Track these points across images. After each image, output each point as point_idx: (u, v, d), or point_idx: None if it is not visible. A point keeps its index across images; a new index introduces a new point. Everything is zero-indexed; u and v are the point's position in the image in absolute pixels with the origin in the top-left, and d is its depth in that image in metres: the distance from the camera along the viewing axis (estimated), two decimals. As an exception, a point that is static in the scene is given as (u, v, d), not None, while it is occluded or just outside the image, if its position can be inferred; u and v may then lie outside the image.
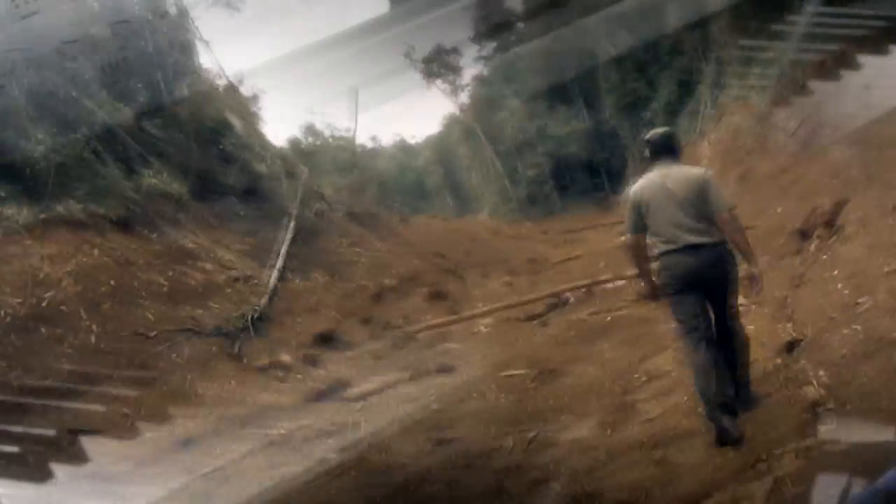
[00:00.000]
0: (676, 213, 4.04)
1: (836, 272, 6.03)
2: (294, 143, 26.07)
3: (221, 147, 12.91)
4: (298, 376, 9.62)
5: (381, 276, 12.77)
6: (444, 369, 6.93)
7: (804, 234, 8.47)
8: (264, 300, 10.50)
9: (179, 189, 11.94)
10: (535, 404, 5.29)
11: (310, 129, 26.70)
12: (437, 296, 12.70)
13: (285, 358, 9.96)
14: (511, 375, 5.98)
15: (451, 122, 28.19)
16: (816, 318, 5.22)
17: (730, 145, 18.50)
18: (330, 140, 25.59)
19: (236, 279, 11.09)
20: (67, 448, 5.38)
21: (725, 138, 18.52)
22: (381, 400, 6.38)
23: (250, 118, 14.19)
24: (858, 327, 4.52)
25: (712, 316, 4.18)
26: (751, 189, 15.04)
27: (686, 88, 21.28)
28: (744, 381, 4.13)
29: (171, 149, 12.57)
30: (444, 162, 28.65)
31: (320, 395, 7.11)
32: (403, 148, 30.55)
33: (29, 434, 5.30)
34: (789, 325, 5.45)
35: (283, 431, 5.73)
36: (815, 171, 10.96)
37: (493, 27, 25.09)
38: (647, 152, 4.45)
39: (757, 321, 5.85)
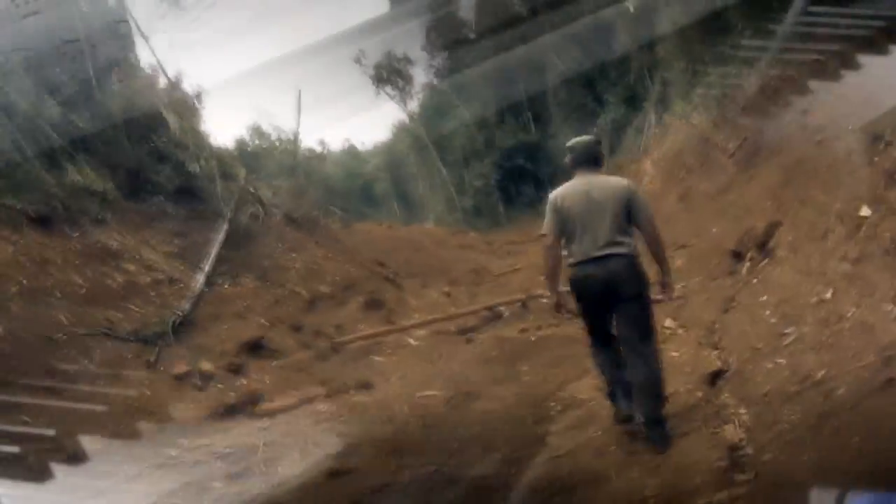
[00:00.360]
0: (594, 223, 4.00)
1: (765, 297, 5.79)
2: (241, 144, 25.41)
3: (153, 144, 12.27)
4: (219, 386, 9.10)
5: (316, 282, 12.24)
6: (363, 386, 6.46)
7: (737, 256, 8.29)
8: (188, 304, 9.96)
9: (106, 186, 11.29)
10: (442, 433, 4.80)
11: (256, 131, 26.11)
12: (373, 305, 12.22)
13: (206, 366, 9.38)
14: (426, 396, 5.57)
15: (401, 130, 27.87)
16: (742, 348, 4.95)
17: (672, 164, 18.50)
18: (277, 143, 25.03)
19: (160, 282, 10.46)
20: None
21: (668, 157, 18.52)
22: (290, 419, 5.85)
23: (189, 116, 13.55)
24: (783, 361, 4.21)
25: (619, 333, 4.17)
26: (690, 208, 15.01)
27: (632, 106, 21.32)
28: (657, 417, 3.88)
29: (100, 144, 11.93)
30: (392, 169, 28.24)
31: (231, 410, 6.49)
32: (352, 154, 30.10)
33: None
34: (715, 352, 5.20)
35: (175, 452, 5.17)
36: (752, 193, 10.87)
37: (446, 38, 24.89)
38: (568, 160, 4.43)
39: (683, 347, 5.63)
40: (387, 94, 25.25)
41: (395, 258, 16.38)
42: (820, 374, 3.68)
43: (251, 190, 12.99)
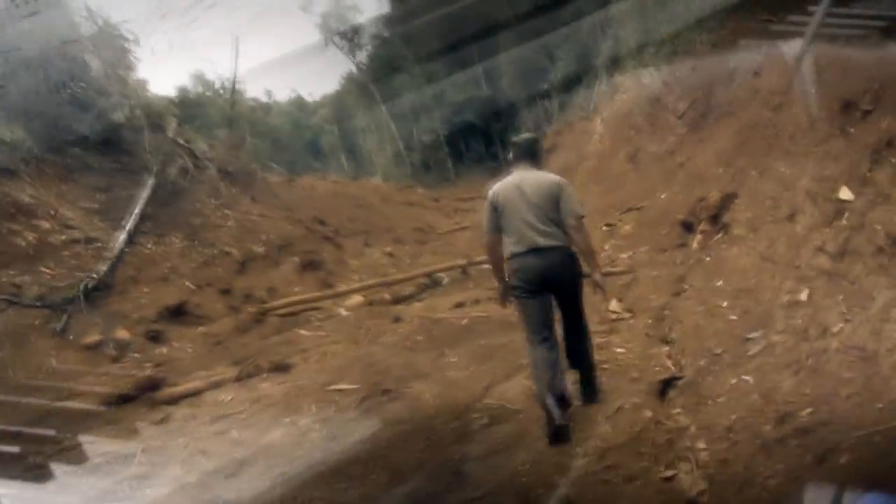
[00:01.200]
0: (528, 216, 4.10)
1: (720, 282, 5.02)
2: (182, 93, 23.97)
3: (71, 92, 11.06)
4: (136, 356, 8.26)
5: (250, 242, 11.21)
6: (279, 368, 5.55)
7: (688, 227, 7.63)
8: (105, 266, 8.99)
9: (19, 135, 10.14)
10: (345, 449, 3.84)
11: (199, 79, 24.66)
12: (309, 266, 11.31)
13: (121, 334, 8.52)
14: (339, 391, 4.66)
15: (349, 82, 26.53)
16: (697, 347, 4.13)
17: (621, 123, 17.82)
18: (221, 92, 23.59)
19: (76, 241, 9.40)
20: None
21: (617, 116, 17.83)
22: (188, 411, 4.96)
23: (117, 62, 12.25)
24: (749, 379, 3.42)
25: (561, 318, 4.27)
26: (639, 170, 14.37)
27: (584, 63, 20.60)
28: (593, 380, 4.23)
29: (14, 90, 10.71)
30: (340, 122, 26.96)
31: (126, 398, 5.49)
32: (299, 105, 28.63)
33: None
34: (665, 348, 4.41)
35: (41, 458, 4.21)
36: (703, 158, 10.23)
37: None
38: (510, 155, 4.51)
39: (630, 340, 4.81)
40: (335, 43, 23.95)
41: (338, 215, 15.40)
42: (804, 413, 2.79)
43: (181, 142, 11.88)
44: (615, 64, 19.46)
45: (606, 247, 9.81)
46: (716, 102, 12.18)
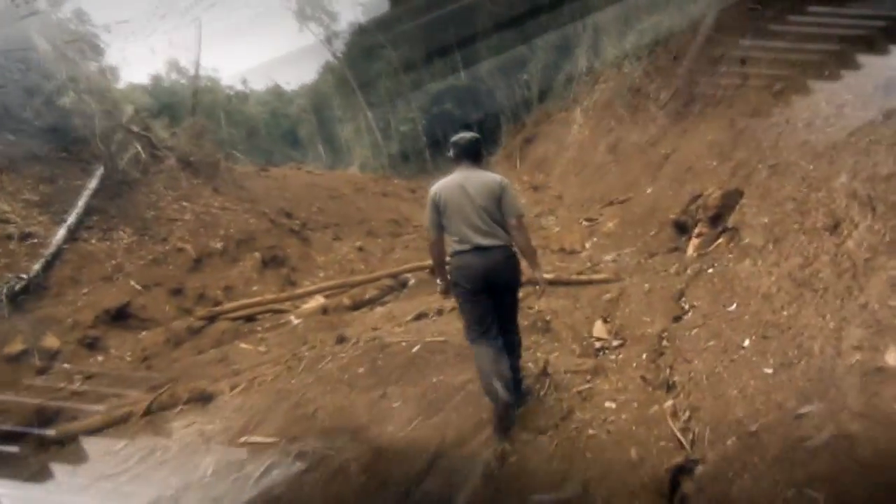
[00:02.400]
0: (470, 216, 3.99)
1: (733, 306, 3.86)
2: (156, 80, 22.77)
3: (13, 77, 9.89)
4: (65, 366, 7.22)
5: (208, 237, 9.99)
6: (199, 398, 4.44)
7: (681, 227, 6.52)
8: (39, 265, 7.88)
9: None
10: None
11: (173, 65, 23.43)
12: (271, 262, 10.15)
13: (50, 342, 7.44)
14: (250, 444, 3.52)
15: (326, 70, 25.21)
16: (717, 413, 2.89)
17: (602, 113, 16.81)
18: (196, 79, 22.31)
19: (9, 237, 8.34)
20: None
21: (598, 105, 16.78)
22: (68, 463, 3.85)
23: (73, 46, 11.02)
24: (816, 495, 2.12)
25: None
26: (620, 161, 13.34)
27: (563, 53, 19.59)
28: (518, 380, 4.00)
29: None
30: (318, 111, 25.69)
31: (14, 436, 4.38)
32: (277, 94, 27.26)
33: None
34: (669, 402, 3.22)
35: None
36: (691, 149, 9.22)
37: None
38: (452, 154, 4.29)
39: (623, 388, 3.66)
40: (310, 31, 22.69)
41: (308, 207, 14.17)
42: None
43: (136, 130, 10.69)
44: (595, 53, 18.57)
45: (588, 245, 8.74)
46: (700, 91, 11.22)
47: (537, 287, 3.96)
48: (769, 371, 2.89)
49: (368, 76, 22.26)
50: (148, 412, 4.33)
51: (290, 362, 4.56)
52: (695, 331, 3.82)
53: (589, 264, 7.12)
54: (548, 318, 4.90)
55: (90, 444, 3.94)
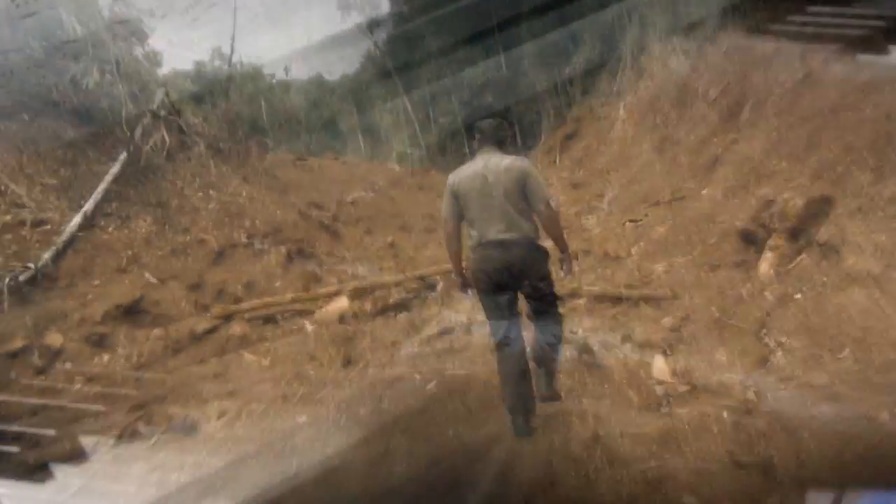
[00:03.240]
0: (490, 205, 3.63)
1: (845, 353, 2.86)
2: (199, 66, 22.39)
3: (38, 53, 9.26)
4: (67, 365, 6.59)
5: (232, 227, 9.34)
6: (179, 427, 3.66)
7: (748, 238, 5.42)
8: (49, 254, 7.26)
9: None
10: None
11: (217, 52, 23.02)
12: (298, 256, 9.48)
13: (53, 339, 6.79)
14: None
15: (367, 60, 24.44)
16: None
17: (647, 109, 15.82)
18: (238, 67, 21.87)
19: (21, 223, 7.75)
20: None
21: (643, 101, 15.77)
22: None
23: (92, 21, 10.40)
24: None
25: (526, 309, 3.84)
26: (667, 160, 12.30)
27: (608, 46, 18.56)
28: (554, 381, 3.69)
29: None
30: (358, 102, 24.95)
31: None
32: (318, 83, 26.56)
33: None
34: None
35: None
36: (750, 148, 8.26)
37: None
38: (476, 140, 3.97)
39: (707, 464, 2.61)
40: (353, 20, 22.01)
41: (341, 199, 13.33)
42: None
43: (163, 114, 10.04)
44: (641, 47, 17.59)
45: (633, 251, 7.84)
46: (753, 89, 10.20)
47: (565, 265, 3.70)
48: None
49: (409, 66, 21.47)
50: (121, 435, 3.62)
51: (288, 388, 3.80)
52: (793, 385, 2.83)
53: (638, 274, 6.20)
54: (594, 346, 4.00)
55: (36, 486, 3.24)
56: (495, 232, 3.57)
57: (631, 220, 9.22)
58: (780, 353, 3.31)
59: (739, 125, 9.33)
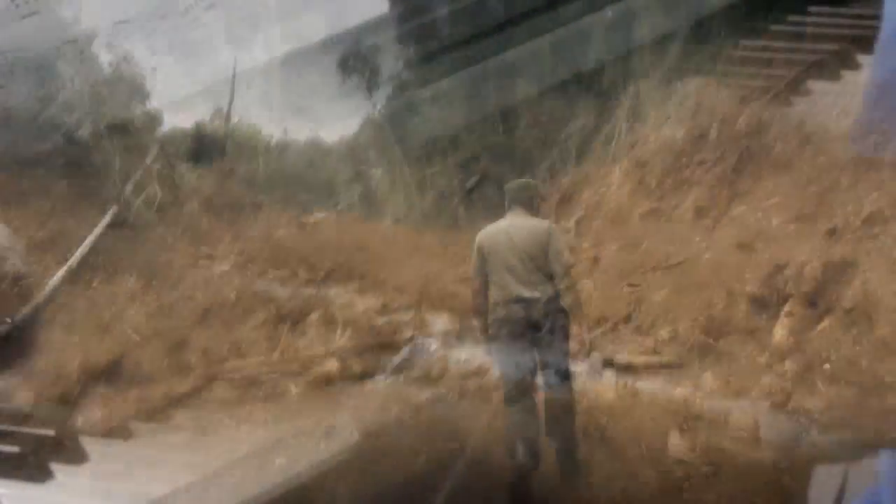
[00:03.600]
0: (513, 264, 3.74)
1: None
2: (199, 127, 22.59)
3: (32, 107, 9.17)
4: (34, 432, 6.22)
5: (221, 285, 9.23)
6: None
7: (759, 303, 5.15)
8: (29, 307, 6.98)
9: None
10: None
11: (217, 113, 23.32)
12: (287, 317, 9.16)
13: (23, 398, 6.49)
14: None
15: (365, 122, 24.71)
16: None
17: (643, 173, 16.02)
18: (237, 125, 22.10)
19: (4, 276, 7.51)
20: None
21: (638, 165, 15.98)
22: None
23: (87, 70, 10.32)
24: None
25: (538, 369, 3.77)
26: (664, 223, 12.38)
27: (604, 113, 18.85)
28: (573, 452, 3.60)
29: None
30: (355, 163, 25.13)
31: None
32: (316, 145, 26.83)
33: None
34: None
35: None
36: (753, 210, 8.18)
37: (418, 35, 22.02)
38: (506, 201, 4.14)
39: None
40: (352, 84, 22.31)
41: (334, 258, 13.33)
42: None
43: (157, 168, 9.91)
44: (636, 115, 17.86)
45: (633, 316, 7.61)
46: (753, 149, 10.25)
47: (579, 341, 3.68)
48: None
49: (406, 130, 21.68)
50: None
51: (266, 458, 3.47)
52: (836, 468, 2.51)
53: (639, 339, 5.94)
54: (603, 420, 3.70)
55: None
56: (516, 290, 3.67)
57: (630, 285, 9.02)
58: (814, 431, 2.99)
59: (739, 189, 9.28)
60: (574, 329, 3.70)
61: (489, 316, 3.81)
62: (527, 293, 3.66)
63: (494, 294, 3.79)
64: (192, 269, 9.06)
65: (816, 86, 8.79)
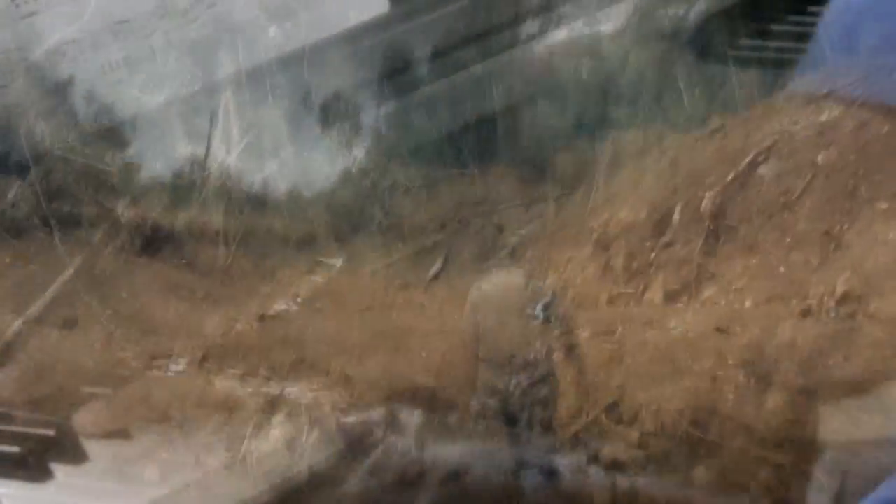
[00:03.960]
0: None
1: None
2: (176, 176, 22.20)
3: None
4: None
5: (188, 338, 8.91)
6: None
7: (749, 391, 5.25)
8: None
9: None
10: None
11: (196, 163, 23.01)
12: (249, 377, 8.98)
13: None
14: None
15: (345, 175, 24.69)
16: None
17: (619, 233, 16.02)
18: (215, 173, 21.77)
19: (-41, 328, 7.11)
20: None
21: (617, 224, 16.02)
22: None
23: (60, 112, 10.11)
24: None
25: None
26: (641, 286, 12.29)
27: (580, 171, 18.99)
28: None
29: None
30: (334, 216, 24.90)
31: None
32: (295, 197, 26.65)
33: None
34: None
35: None
36: (740, 270, 8.03)
37: (392, 76, 22.05)
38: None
39: None
40: (331, 137, 22.32)
41: (309, 315, 13.08)
42: None
43: (128, 217, 9.64)
44: (612, 171, 18.05)
45: (614, 384, 7.35)
46: (738, 206, 10.24)
47: None
48: None
49: (386, 185, 21.63)
50: None
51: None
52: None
53: (623, 430, 5.68)
54: None
55: None
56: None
57: (607, 345, 8.81)
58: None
59: (721, 246, 9.15)
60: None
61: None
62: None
63: None
64: (159, 321, 8.73)
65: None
